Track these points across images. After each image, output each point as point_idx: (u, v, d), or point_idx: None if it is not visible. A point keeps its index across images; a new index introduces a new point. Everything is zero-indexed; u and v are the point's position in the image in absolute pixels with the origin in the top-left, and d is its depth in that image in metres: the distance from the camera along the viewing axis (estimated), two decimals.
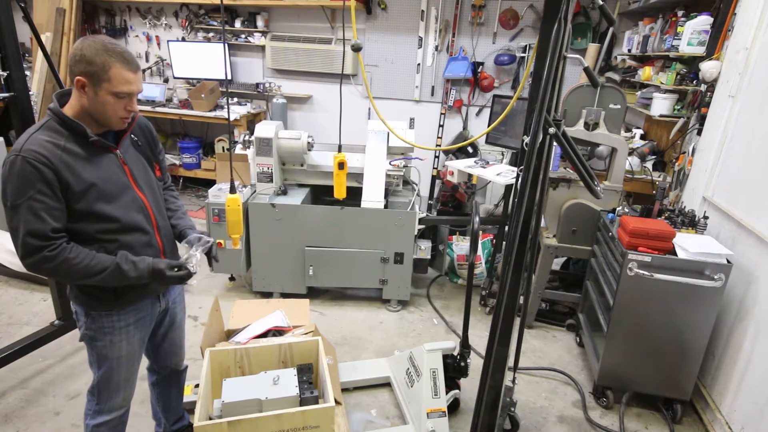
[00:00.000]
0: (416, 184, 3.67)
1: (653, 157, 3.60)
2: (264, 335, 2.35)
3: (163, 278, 1.55)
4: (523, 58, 4.68)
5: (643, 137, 3.94)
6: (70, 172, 1.41)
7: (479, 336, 3.15)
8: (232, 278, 3.67)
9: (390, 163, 3.40)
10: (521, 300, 1.84)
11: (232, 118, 4.94)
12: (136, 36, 5.69)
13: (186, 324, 3.19)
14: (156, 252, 1.66)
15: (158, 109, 5.22)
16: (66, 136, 1.44)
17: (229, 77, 5.35)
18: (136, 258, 1.54)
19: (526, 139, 1.66)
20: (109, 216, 1.50)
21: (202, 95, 5.05)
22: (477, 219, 2.20)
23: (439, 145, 5.06)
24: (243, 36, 5.30)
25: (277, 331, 2.39)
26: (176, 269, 1.57)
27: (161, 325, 1.86)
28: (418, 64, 5.00)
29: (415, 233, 3.32)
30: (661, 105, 3.33)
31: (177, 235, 1.80)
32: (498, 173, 3.41)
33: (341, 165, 2.73)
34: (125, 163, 1.58)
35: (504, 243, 2.75)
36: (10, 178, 1.36)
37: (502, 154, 4.23)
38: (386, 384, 2.70)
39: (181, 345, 2.00)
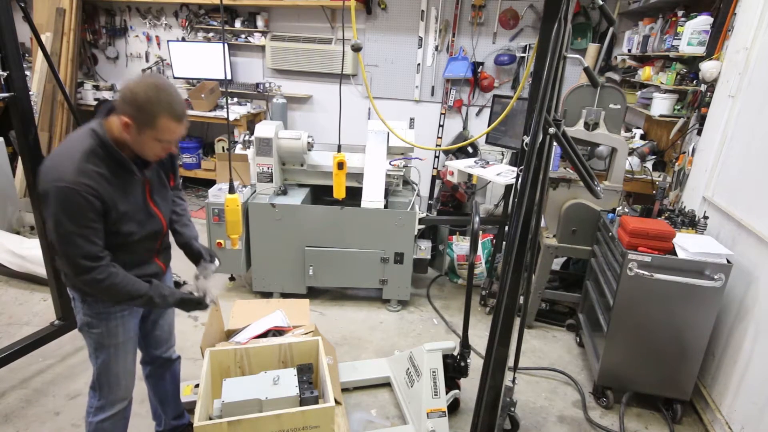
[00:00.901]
0: (416, 184, 3.67)
1: (653, 157, 3.60)
2: (264, 335, 2.35)
3: (188, 308, 1.77)
4: (523, 58, 4.68)
5: (643, 137, 3.94)
6: (110, 200, 1.48)
7: (479, 336, 3.15)
8: (232, 278, 3.67)
9: (390, 163, 3.40)
10: (521, 300, 1.84)
11: (232, 118, 4.94)
12: (136, 36, 5.69)
13: (186, 324, 3.21)
14: (152, 245, 1.73)
15: None
16: (107, 163, 1.48)
17: (229, 77, 5.35)
18: (166, 292, 1.67)
19: (526, 139, 1.66)
20: (128, 232, 1.57)
21: (202, 95, 5.05)
22: (477, 219, 2.20)
23: (439, 145, 5.06)
24: (243, 36, 5.30)
25: (277, 331, 2.39)
26: (198, 303, 1.77)
27: (153, 313, 1.90)
28: (418, 64, 5.00)
29: (415, 233, 3.32)
30: (661, 105, 3.33)
31: (181, 243, 1.89)
32: (498, 173, 3.41)
33: (340, 165, 2.74)
34: (147, 182, 1.63)
35: (504, 243, 2.75)
36: (63, 209, 1.40)
37: (502, 154, 4.23)
38: (386, 384, 2.70)
39: (171, 331, 2.03)
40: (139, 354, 1.97)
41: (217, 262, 1.90)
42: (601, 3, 1.64)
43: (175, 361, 2.09)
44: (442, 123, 5.07)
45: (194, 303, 1.76)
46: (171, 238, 1.86)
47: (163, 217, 1.71)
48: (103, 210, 1.46)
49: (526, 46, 4.65)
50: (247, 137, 3.52)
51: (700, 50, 2.99)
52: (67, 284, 1.68)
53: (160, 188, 1.70)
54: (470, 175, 3.62)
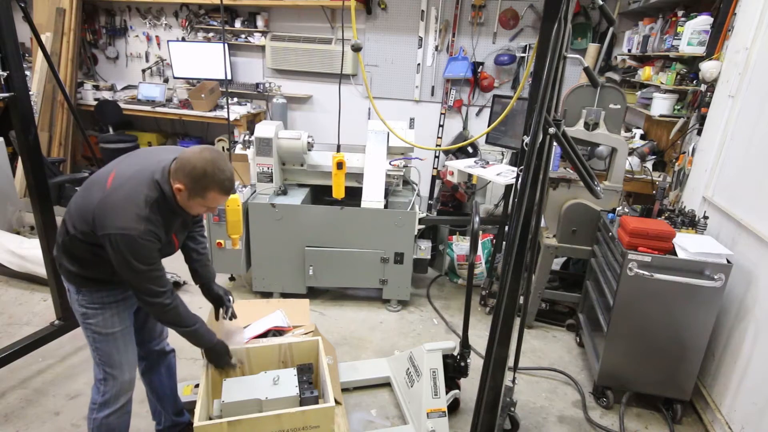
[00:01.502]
0: (416, 184, 3.67)
1: (653, 157, 3.60)
2: (264, 335, 2.35)
3: (215, 358, 1.95)
4: (523, 58, 4.68)
5: (643, 137, 3.94)
6: (162, 239, 1.64)
7: (479, 336, 3.15)
8: (232, 278, 3.67)
9: (390, 163, 3.40)
10: (521, 300, 1.84)
11: (232, 118, 4.94)
12: (136, 36, 5.69)
13: None
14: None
15: (158, 109, 5.23)
16: (163, 210, 1.61)
17: (229, 77, 5.35)
18: (207, 334, 1.85)
19: (526, 139, 1.66)
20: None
21: (202, 95, 5.05)
22: (477, 219, 2.20)
23: (439, 145, 5.06)
24: (243, 36, 5.30)
25: (277, 331, 2.39)
26: (226, 361, 1.97)
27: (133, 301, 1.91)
28: (418, 64, 5.00)
29: (415, 233, 3.32)
30: (661, 105, 3.33)
31: (200, 284, 2.05)
32: (498, 173, 3.41)
33: (340, 165, 2.74)
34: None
35: (504, 243, 2.74)
36: (133, 253, 1.54)
37: (502, 154, 4.23)
38: (386, 384, 2.70)
39: (164, 327, 2.06)
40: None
41: (232, 300, 2.09)
42: (601, 3, 1.64)
43: (169, 353, 2.11)
44: (442, 123, 5.07)
45: (223, 357, 1.95)
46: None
47: (178, 245, 1.83)
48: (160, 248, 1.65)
49: (526, 46, 4.65)
50: (247, 137, 3.52)
51: (700, 50, 2.99)
52: (62, 276, 1.74)
53: (183, 221, 1.81)
54: (470, 175, 3.62)
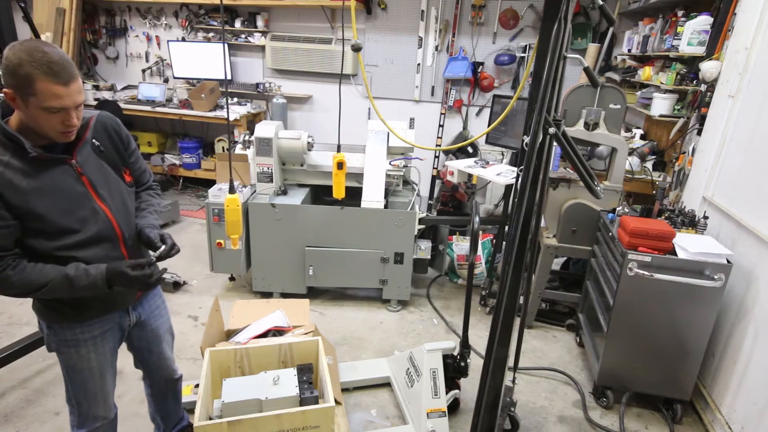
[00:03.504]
0: (416, 184, 3.67)
1: (653, 157, 3.60)
2: (264, 335, 2.35)
3: (127, 280, 1.44)
4: (523, 58, 4.68)
5: (643, 137, 3.94)
6: (13, 189, 1.31)
7: (479, 336, 3.15)
8: (232, 278, 3.67)
9: (390, 163, 3.40)
10: (521, 300, 1.84)
11: (232, 118, 4.94)
12: (136, 36, 5.69)
13: (186, 324, 3.21)
14: (112, 252, 1.54)
15: (158, 109, 5.22)
16: (10, 149, 1.32)
17: (229, 77, 5.35)
18: (89, 266, 1.43)
19: (526, 139, 1.66)
20: (65, 230, 1.41)
21: (202, 95, 5.05)
22: (477, 219, 2.20)
23: (439, 145, 5.06)
24: (243, 36, 5.30)
25: (277, 331, 2.39)
26: (142, 268, 1.46)
27: (143, 340, 1.81)
28: (418, 64, 5.00)
29: (415, 233, 3.32)
30: (661, 105, 3.33)
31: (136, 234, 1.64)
32: (498, 173, 3.41)
33: (340, 165, 2.73)
34: (83, 174, 1.45)
35: (504, 243, 2.74)
36: None
37: (502, 154, 4.23)
38: (386, 384, 2.70)
39: (169, 357, 1.94)
40: (139, 372, 1.95)
41: (168, 243, 1.59)
42: (601, 3, 1.63)
43: (177, 380, 2.03)
44: (442, 123, 5.07)
45: (135, 268, 1.45)
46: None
47: (112, 215, 1.51)
48: (7, 202, 1.30)
49: (526, 46, 4.65)
50: (247, 137, 3.52)
51: (700, 50, 2.99)
52: (33, 309, 1.56)
53: (106, 181, 1.51)
54: (470, 175, 3.62)
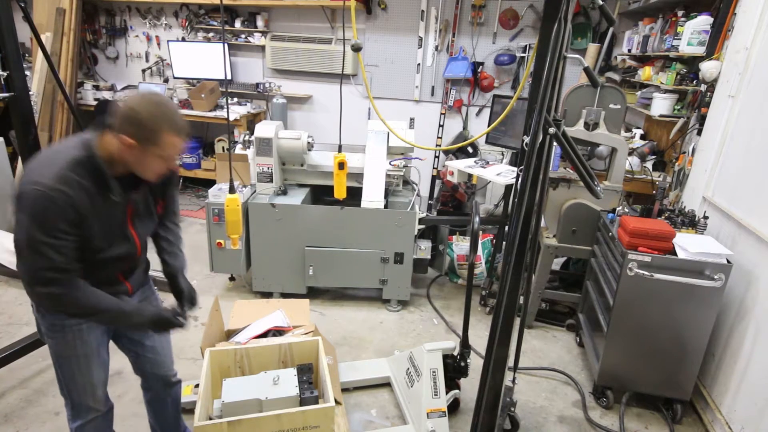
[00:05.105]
0: (416, 184, 3.67)
1: (653, 157, 3.60)
2: (264, 335, 2.35)
3: (170, 326, 1.66)
4: (523, 58, 4.68)
5: (643, 137, 3.94)
6: (83, 210, 1.40)
7: (479, 336, 3.15)
8: (232, 278, 3.67)
9: (390, 163, 3.40)
10: (521, 300, 1.84)
11: (232, 118, 4.94)
12: (136, 36, 5.69)
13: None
14: (122, 265, 1.64)
15: None
16: (93, 177, 1.41)
17: (229, 77, 5.35)
18: (142, 306, 1.67)
19: (526, 139, 1.66)
20: (95, 248, 1.49)
21: (202, 95, 5.05)
22: (477, 219, 2.20)
23: (439, 145, 5.06)
24: (243, 36, 5.30)
25: (277, 331, 2.39)
26: (181, 316, 1.68)
27: (138, 334, 1.81)
28: (418, 64, 5.00)
29: (415, 233, 3.32)
30: (661, 105, 3.33)
31: (167, 274, 1.79)
32: (498, 173, 3.41)
33: (341, 165, 2.74)
34: (130, 204, 1.56)
35: (504, 243, 2.74)
36: (34, 214, 1.33)
37: (502, 154, 4.23)
38: (386, 384, 2.70)
39: (166, 353, 1.92)
40: (139, 379, 1.93)
41: (197, 307, 1.81)
42: (601, 3, 1.63)
43: (175, 384, 1.99)
44: (442, 123, 5.07)
45: (168, 321, 1.65)
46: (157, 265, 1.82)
47: (139, 242, 1.64)
48: (77, 222, 1.39)
49: (526, 46, 4.65)
50: (247, 137, 3.52)
51: (700, 50, 2.99)
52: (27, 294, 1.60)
53: (144, 214, 1.63)
54: (470, 175, 3.62)
